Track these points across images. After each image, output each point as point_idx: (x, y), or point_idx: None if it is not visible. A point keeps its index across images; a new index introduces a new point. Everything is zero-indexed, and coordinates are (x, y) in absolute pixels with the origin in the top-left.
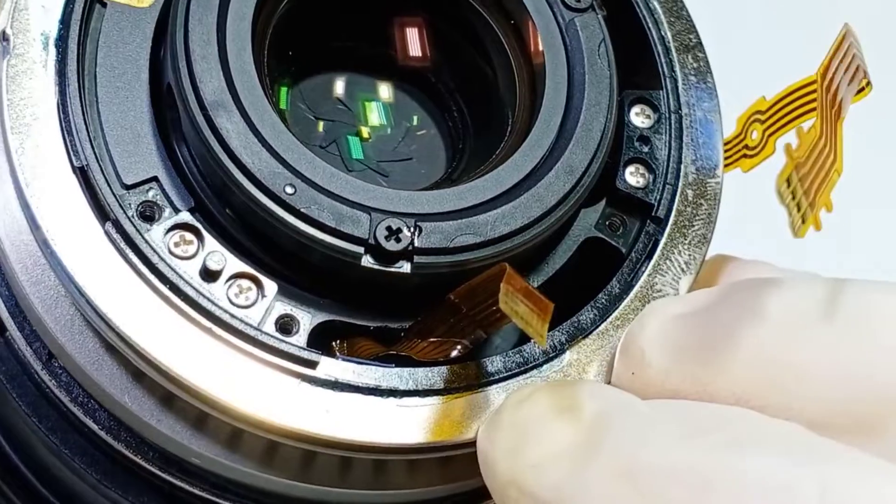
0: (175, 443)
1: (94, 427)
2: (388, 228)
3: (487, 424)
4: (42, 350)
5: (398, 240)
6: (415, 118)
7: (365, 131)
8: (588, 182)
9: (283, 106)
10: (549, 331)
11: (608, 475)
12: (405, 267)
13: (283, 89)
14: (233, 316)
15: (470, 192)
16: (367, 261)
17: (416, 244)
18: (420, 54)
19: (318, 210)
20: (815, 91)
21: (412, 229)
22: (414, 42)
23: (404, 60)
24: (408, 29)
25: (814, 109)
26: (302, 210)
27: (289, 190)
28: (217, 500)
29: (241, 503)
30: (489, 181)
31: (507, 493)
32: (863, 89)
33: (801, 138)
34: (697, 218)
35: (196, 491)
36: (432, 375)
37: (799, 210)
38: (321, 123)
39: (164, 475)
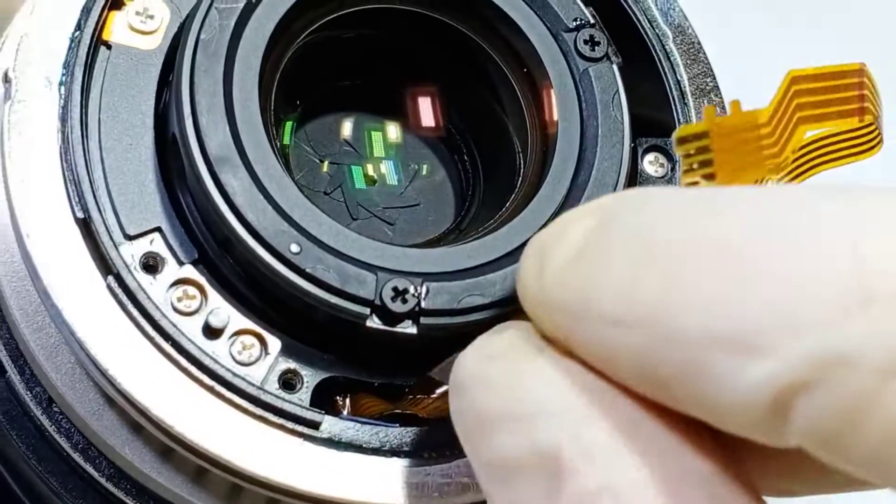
0: (175, 494)
1: (95, 474)
2: (395, 289)
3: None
4: (42, 395)
5: (405, 301)
6: (423, 163)
7: (371, 173)
8: None
9: (286, 141)
10: None
11: (625, 247)
12: (411, 328)
13: (288, 124)
14: (235, 374)
15: (478, 250)
16: (373, 321)
17: (422, 305)
18: (433, 124)
19: (324, 270)
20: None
21: (419, 289)
22: (427, 112)
23: (417, 129)
24: (420, 98)
25: (827, 161)
26: (307, 270)
27: (294, 248)
28: None
29: None
30: (498, 238)
31: (542, 317)
32: (872, 146)
33: (735, 113)
34: None
35: None
36: (436, 434)
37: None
38: (325, 165)
39: None
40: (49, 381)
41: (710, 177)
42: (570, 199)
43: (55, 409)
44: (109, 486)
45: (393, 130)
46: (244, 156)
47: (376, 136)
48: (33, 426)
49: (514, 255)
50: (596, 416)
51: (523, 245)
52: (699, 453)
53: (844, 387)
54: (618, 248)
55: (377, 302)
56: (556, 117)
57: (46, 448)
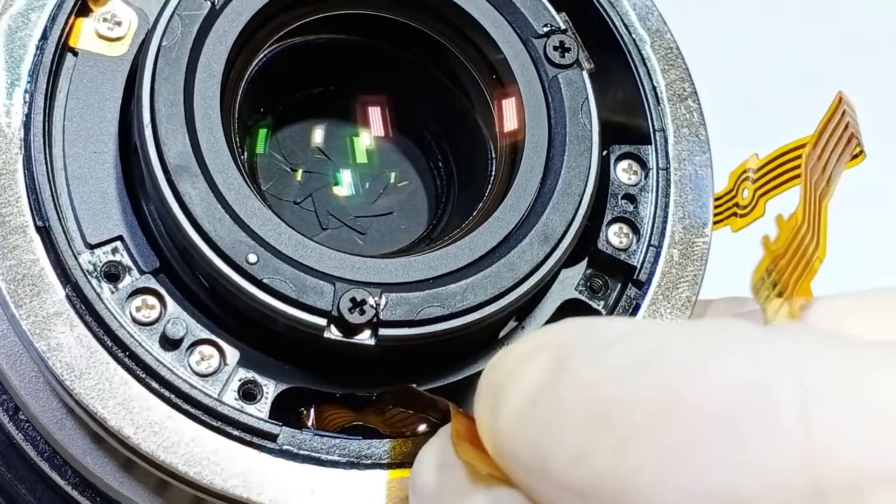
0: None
1: (61, 482)
2: (353, 300)
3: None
4: (9, 402)
5: (362, 311)
6: (396, 170)
7: (343, 182)
8: (565, 249)
9: (259, 150)
10: None
11: (576, 404)
12: (369, 339)
13: (262, 132)
14: (192, 386)
15: (439, 260)
16: (331, 332)
17: (380, 316)
18: (383, 133)
19: (281, 281)
20: (790, 160)
21: (377, 300)
22: (377, 120)
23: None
24: (370, 108)
25: (796, 177)
26: (264, 280)
27: (251, 258)
28: None
29: None
30: (460, 248)
31: (501, 461)
32: (857, 156)
33: (781, 228)
34: (682, 280)
35: None
36: (396, 448)
37: (773, 308)
38: (298, 174)
39: None
40: (13, 390)
41: (788, 302)
42: (536, 208)
43: (21, 416)
44: (75, 494)
45: (365, 138)
46: (203, 165)
47: (349, 144)
48: (1, 433)
49: (476, 265)
50: None
51: (486, 255)
52: None
53: None
54: (569, 406)
55: (335, 313)
56: (520, 125)
57: (15, 455)
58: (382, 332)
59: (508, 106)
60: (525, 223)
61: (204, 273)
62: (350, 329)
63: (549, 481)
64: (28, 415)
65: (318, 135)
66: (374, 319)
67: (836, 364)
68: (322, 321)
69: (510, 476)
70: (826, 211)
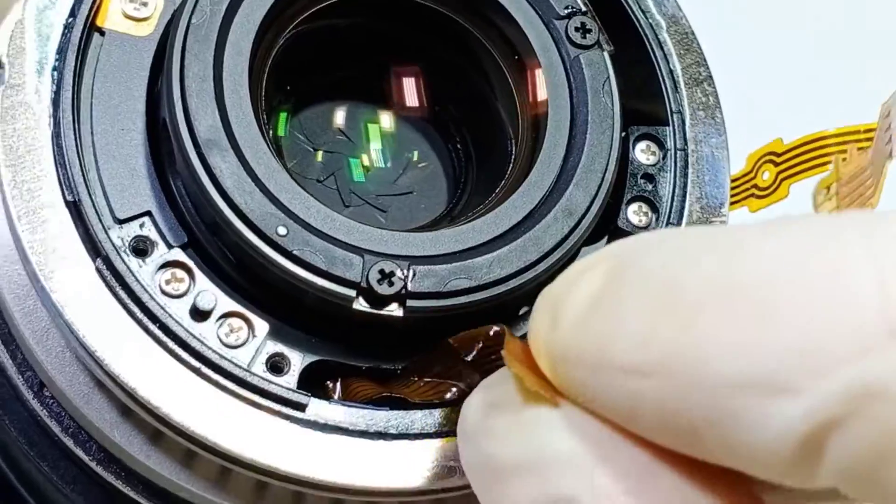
0: (163, 477)
1: (85, 457)
2: (381, 272)
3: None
4: (34, 379)
5: (391, 283)
6: (416, 151)
7: (365, 162)
8: (588, 224)
9: (280, 133)
10: None
11: (640, 293)
12: (398, 310)
13: (283, 115)
14: (222, 357)
15: (466, 234)
16: (360, 304)
17: (409, 288)
18: (417, 104)
19: (311, 252)
20: (844, 142)
21: (405, 272)
22: (411, 92)
23: (402, 111)
24: (404, 79)
25: (828, 163)
26: (294, 252)
27: (281, 231)
28: None
29: None
30: (486, 223)
31: (559, 373)
32: None
33: (852, 158)
34: None
35: None
36: (424, 418)
37: None
38: (320, 154)
39: None
40: (39, 365)
41: None
42: (559, 184)
43: (46, 393)
44: (99, 469)
45: (386, 119)
46: (233, 139)
47: (370, 125)
48: (25, 410)
49: (502, 239)
50: (610, 465)
51: (511, 229)
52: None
53: (878, 420)
54: (633, 295)
55: (364, 284)
56: (543, 98)
57: (38, 432)
58: (410, 303)
59: (530, 83)
60: (549, 199)
61: (234, 246)
62: (379, 300)
63: (613, 371)
64: (54, 390)
65: (339, 116)
66: (403, 291)
67: None
68: (352, 292)
69: (569, 387)
70: (886, 170)
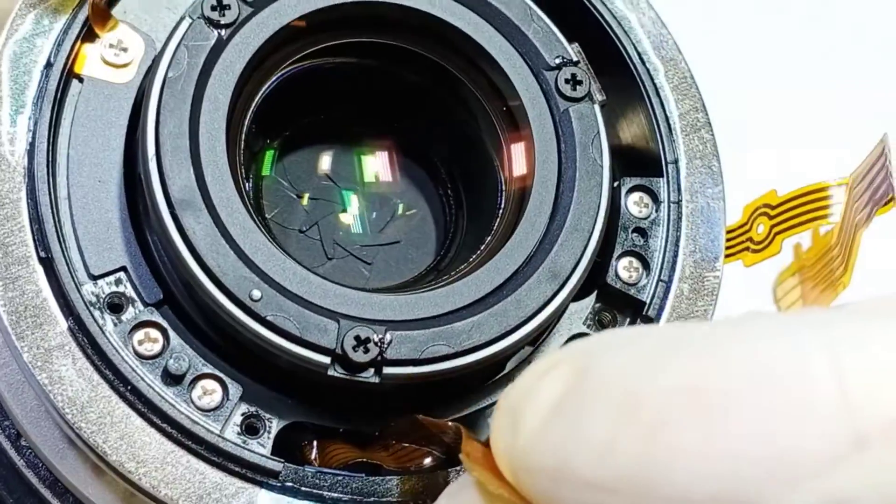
0: None
1: None
2: (357, 338)
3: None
4: (11, 429)
5: (367, 350)
6: (405, 199)
7: (351, 210)
8: (573, 287)
9: (265, 172)
10: None
11: (601, 400)
12: (373, 377)
13: (269, 153)
14: (194, 422)
15: (445, 297)
16: (335, 370)
17: (385, 355)
18: (391, 161)
19: (284, 318)
20: (828, 197)
21: (382, 338)
22: (384, 148)
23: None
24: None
25: (826, 216)
26: (267, 318)
27: (255, 295)
28: None
29: None
30: (467, 285)
31: (522, 482)
32: (889, 202)
33: (815, 241)
34: (693, 315)
35: None
36: (399, 485)
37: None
38: (304, 200)
39: None
40: (15, 418)
41: None
42: (544, 244)
43: (23, 443)
44: None
45: (373, 165)
46: (208, 199)
47: (357, 171)
48: (4, 458)
49: (482, 303)
50: None
51: (493, 292)
52: None
53: None
54: (594, 404)
55: (338, 351)
56: (529, 164)
57: (16, 480)
58: (387, 370)
59: (519, 146)
60: (533, 260)
61: (207, 308)
62: (354, 367)
63: (574, 483)
64: (29, 442)
65: (325, 161)
66: (379, 358)
67: (860, 329)
68: (326, 359)
69: (533, 495)
70: (859, 242)
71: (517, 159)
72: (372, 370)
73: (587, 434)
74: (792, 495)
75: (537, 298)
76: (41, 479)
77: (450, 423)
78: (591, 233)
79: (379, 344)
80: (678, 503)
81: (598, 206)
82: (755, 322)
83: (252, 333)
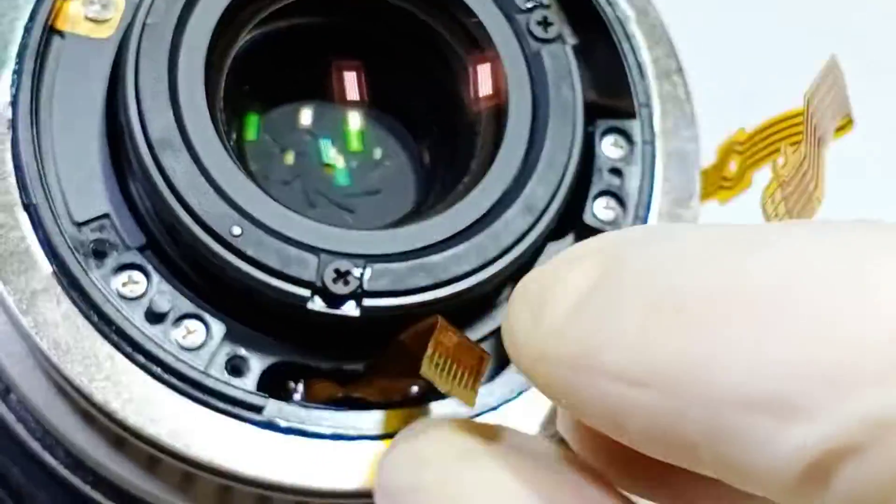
0: (130, 482)
1: (52, 462)
2: (336, 271)
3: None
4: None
5: (346, 282)
6: (383, 148)
7: (332, 162)
8: (549, 220)
9: (252, 137)
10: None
11: (638, 293)
12: (354, 310)
13: (252, 118)
14: (178, 359)
15: (424, 231)
16: (315, 304)
17: (364, 287)
18: (357, 97)
19: (265, 252)
20: (795, 125)
21: (361, 271)
22: (352, 85)
23: (365, 108)
24: (361, 75)
25: (792, 143)
26: (248, 252)
27: (235, 231)
28: None
29: None
30: (445, 220)
31: (538, 373)
32: (843, 127)
33: (787, 158)
34: None
35: None
36: (382, 418)
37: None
38: (287, 156)
39: None
40: (3, 370)
41: None
42: (520, 180)
43: (12, 397)
44: (66, 473)
45: (353, 118)
46: (187, 139)
47: (336, 124)
48: None
49: (460, 236)
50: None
51: (471, 226)
52: None
53: None
54: (629, 295)
55: (318, 284)
56: (502, 96)
57: (6, 436)
58: (367, 302)
59: (489, 75)
60: (509, 194)
61: (189, 247)
62: (334, 300)
63: (599, 375)
64: (18, 395)
65: (305, 116)
66: (359, 290)
67: None
68: (306, 292)
69: (549, 389)
70: (824, 158)
71: (491, 102)
72: (352, 303)
73: (621, 325)
74: (842, 405)
75: (514, 231)
76: (31, 433)
77: (432, 319)
78: (566, 167)
79: (359, 276)
80: (713, 403)
81: (573, 142)
82: (806, 226)
83: (234, 270)
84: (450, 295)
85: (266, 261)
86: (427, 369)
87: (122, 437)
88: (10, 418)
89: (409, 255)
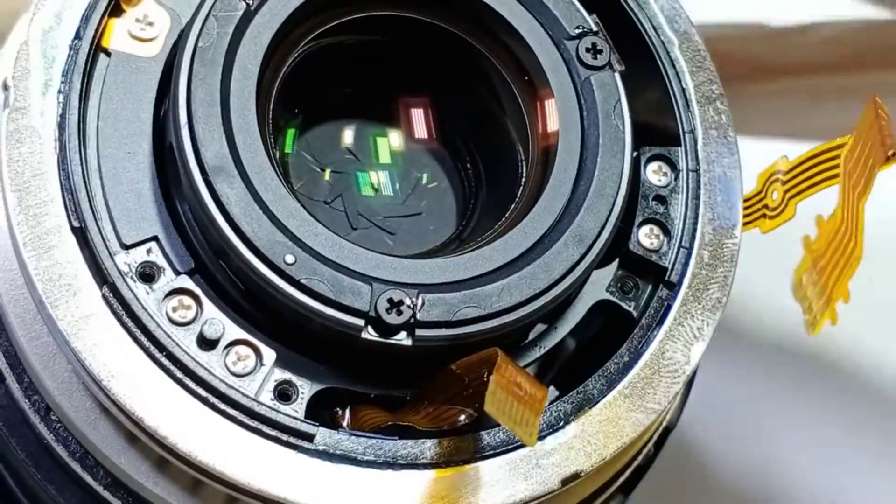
0: None
1: (92, 482)
2: (390, 301)
3: None
4: (40, 403)
5: (399, 312)
6: (426, 171)
7: (373, 182)
8: (599, 251)
9: (287, 150)
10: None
11: None
12: (406, 339)
13: (290, 132)
14: (229, 386)
15: (475, 261)
16: (368, 333)
17: (417, 317)
18: (426, 130)
19: (319, 281)
20: (837, 157)
21: (414, 301)
22: (419, 118)
23: (412, 140)
24: (413, 108)
25: (835, 176)
26: (302, 281)
27: (289, 259)
28: None
29: None
30: (496, 249)
31: None
32: (892, 157)
33: (821, 228)
34: (713, 281)
35: None
36: (432, 447)
37: (813, 308)
38: (327, 174)
39: None
40: (46, 390)
41: (828, 301)
42: (570, 209)
43: (53, 417)
44: (107, 494)
45: (395, 138)
46: (240, 165)
47: (379, 145)
48: (32, 434)
49: (511, 266)
50: None
51: (521, 256)
52: None
53: None
54: None
55: (372, 314)
56: (555, 127)
57: (45, 455)
58: (420, 332)
59: (541, 107)
60: (559, 224)
61: (241, 274)
62: (387, 329)
63: None
64: (60, 415)
65: (347, 135)
66: (412, 320)
67: None
68: (360, 321)
69: None
70: (863, 211)
71: (540, 128)
72: (405, 332)
73: None
74: None
75: (564, 262)
76: (71, 454)
77: (491, 351)
78: (616, 197)
79: (412, 306)
80: None
81: (622, 171)
82: None
83: (287, 297)
84: (500, 325)
85: (320, 290)
86: (490, 405)
87: (164, 459)
88: (50, 438)
89: (461, 286)
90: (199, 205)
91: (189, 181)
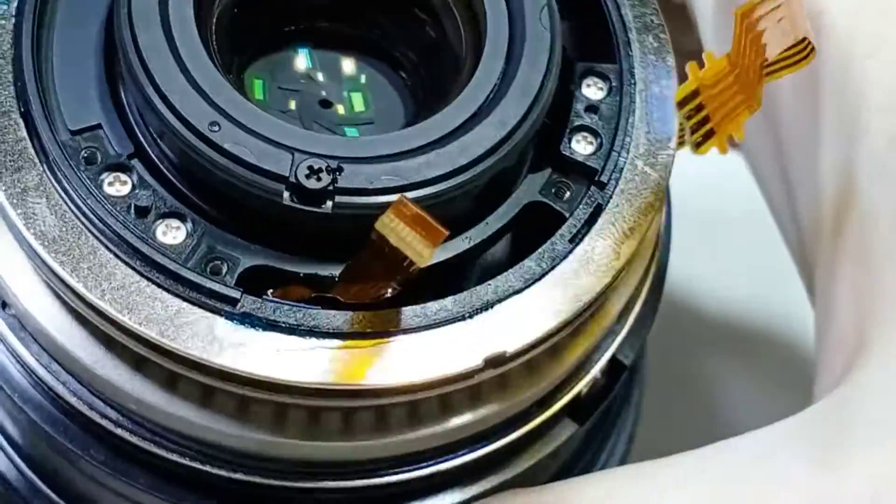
0: (113, 386)
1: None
2: (310, 168)
3: None
4: None
5: (319, 178)
6: (376, 86)
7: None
8: (521, 136)
9: (258, 97)
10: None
11: None
12: (327, 206)
13: (258, 82)
14: (157, 251)
15: (397, 140)
16: (289, 200)
17: (337, 184)
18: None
19: (242, 147)
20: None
21: (334, 169)
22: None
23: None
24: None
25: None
26: (225, 146)
27: (213, 127)
28: (156, 449)
29: (180, 450)
30: (418, 131)
31: None
32: (808, 56)
33: (710, 63)
34: (646, 187)
35: (134, 440)
36: (354, 318)
37: (701, 128)
38: (289, 98)
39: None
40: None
41: (710, 133)
42: (495, 99)
43: (9, 312)
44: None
45: (346, 64)
46: (174, 48)
47: (332, 69)
48: None
49: (432, 145)
50: None
51: (443, 137)
52: None
53: None
54: None
55: (292, 179)
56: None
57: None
58: (339, 199)
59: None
60: (483, 111)
61: (173, 148)
62: (307, 196)
63: None
64: (10, 302)
65: (300, 62)
66: (331, 187)
67: None
68: (280, 186)
69: None
70: (763, 74)
71: (473, 33)
72: (325, 199)
73: None
74: None
75: (485, 143)
76: (22, 342)
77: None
78: (540, 88)
79: (331, 174)
80: None
81: (548, 66)
82: None
83: (211, 163)
84: (419, 198)
85: (242, 154)
86: (383, 226)
87: (109, 336)
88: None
89: (382, 160)
90: (133, 82)
91: (126, 62)
